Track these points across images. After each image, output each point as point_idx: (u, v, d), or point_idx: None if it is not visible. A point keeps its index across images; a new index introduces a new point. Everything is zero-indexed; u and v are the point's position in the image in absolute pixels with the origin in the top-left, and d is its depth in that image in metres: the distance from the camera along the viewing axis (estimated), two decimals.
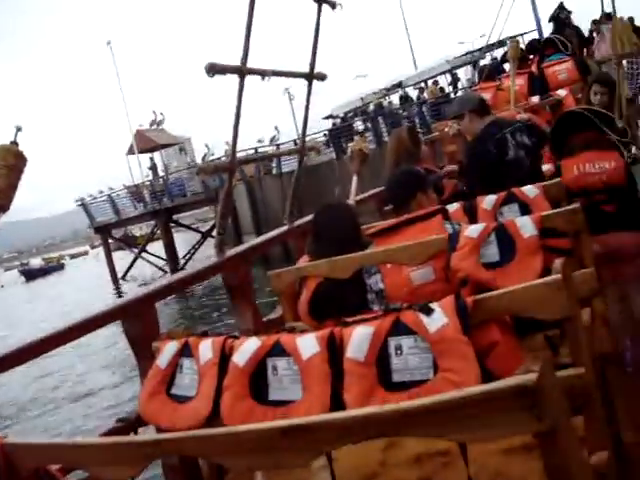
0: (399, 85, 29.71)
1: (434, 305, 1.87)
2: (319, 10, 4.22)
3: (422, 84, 28.18)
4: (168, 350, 2.26)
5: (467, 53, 26.13)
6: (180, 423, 2.11)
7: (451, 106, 5.10)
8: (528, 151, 4.19)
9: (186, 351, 2.23)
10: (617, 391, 2.72)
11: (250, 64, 3.53)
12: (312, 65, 4.23)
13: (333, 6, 4.35)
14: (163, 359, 2.26)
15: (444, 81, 27.19)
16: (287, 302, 3.38)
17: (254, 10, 3.51)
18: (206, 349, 2.16)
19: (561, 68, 7.50)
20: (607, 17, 8.25)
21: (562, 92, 6.78)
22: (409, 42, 38.23)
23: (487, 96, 7.16)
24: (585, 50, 10.03)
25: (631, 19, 10.17)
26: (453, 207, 3.36)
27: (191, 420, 2.09)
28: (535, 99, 6.85)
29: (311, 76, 4.26)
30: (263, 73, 3.78)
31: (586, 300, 2.92)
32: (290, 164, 23.41)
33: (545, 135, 4.56)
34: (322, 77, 4.30)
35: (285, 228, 4.42)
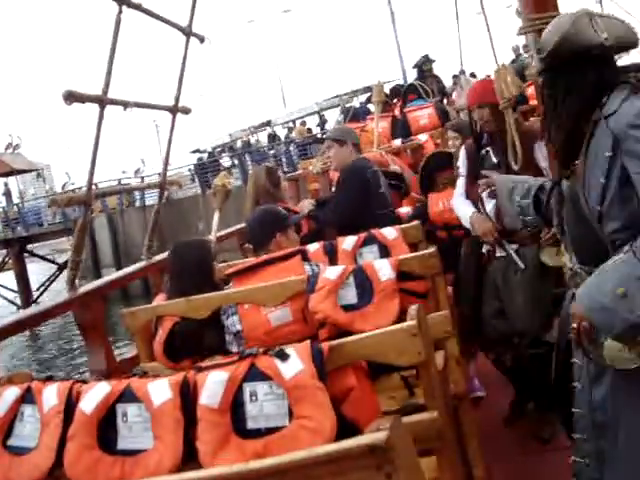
0: (268, 123, 30.05)
1: (290, 350, 1.83)
2: (187, 43, 4.17)
3: (291, 124, 28.61)
4: (7, 396, 2.08)
5: (336, 96, 26.85)
6: (17, 479, 1.93)
7: (337, 130, 5.17)
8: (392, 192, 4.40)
9: (28, 397, 2.06)
10: (469, 431, 2.79)
11: (118, 93, 3.43)
12: (177, 98, 4.15)
13: (202, 40, 4.31)
14: (1, 406, 2.06)
15: (313, 122, 27.75)
16: (142, 342, 3.25)
17: (118, 39, 3.42)
18: (51, 395, 2.00)
19: (422, 114, 7.81)
20: (463, 73, 8.79)
21: (423, 137, 7.04)
22: (281, 86, 38.74)
23: None
24: (445, 99, 10.56)
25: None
26: (313, 247, 3.36)
27: (30, 475, 1.91)
28: (397, 142, 7.07)
29: (175, 109, 4.18)
30: (125, 104, 3.66)
31: (441, 342, 3.00)
32: (154, 197, 22.85)
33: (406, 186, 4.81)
34: (186, 111, 4.22)
35: (143, 264, 4.26)
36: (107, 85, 3.37)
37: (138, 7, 3.65)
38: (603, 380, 2.07)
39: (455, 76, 12.49)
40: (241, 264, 3.25)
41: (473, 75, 12.91)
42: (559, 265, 2.84)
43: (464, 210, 3.82)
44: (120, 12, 3.48)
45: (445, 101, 10.17)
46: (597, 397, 2.10)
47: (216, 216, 4.75)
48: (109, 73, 3.37)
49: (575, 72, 2.00)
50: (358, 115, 8.59)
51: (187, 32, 4.07)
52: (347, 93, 25.30)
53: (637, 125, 1.83)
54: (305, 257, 3.13)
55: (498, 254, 3.67)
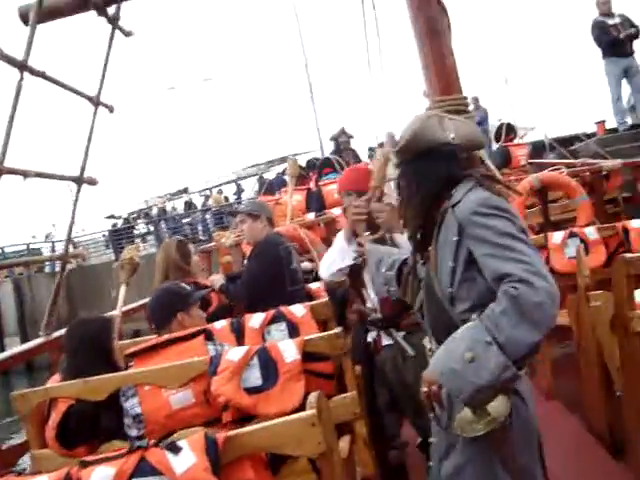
0: (185, 191, 29.87)
1: (182, 442, 1.74)
2: (95, 113, 4.09)
3: (208, 192, 28.54)
4: None
5: (253, 166, 27.08)
6: None
7: (251, 204, 5.11)
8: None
9: None
10: None
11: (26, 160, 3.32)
12: (83, 168, 4.04)
13: (111, 110, 4.25)
14: None
15: (230, 191, 27.80)
16: (33, 427, 3.02)
17: (17, 107, 3.32)
18: None
19: (336, 187, 7.89)
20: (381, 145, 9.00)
21: (336, 210, 7.07)
22: (199, 154, 38.72)
23: None
24: None
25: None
26: (220, 325, 3.27)
27: None
28: (311, 216, 7.11)
29: (81, 180, 4.05)
30: (25, 173, 3.53)
31: (348, 424, 2.94)
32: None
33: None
34: (92, 182, 4.11)
35: (41, 340, 4.03)
36: (4, 154, 3.24)
37: (42, 75, 3.58)
38: (451, 455, 2.15)
39: (370, 149, 12.81)
40: (143, 343, 3.12)
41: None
42: None
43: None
44: (21, 79, 3.39)
45: None
46: (444, 472, 2.18)
47: (122, 290, 4.59)
48: (6, 143, 3.25)
49: (426, 165, 2.20)
50: (273, 187, 8.64)
51: (95, 102, 4.00)
52: (264, 163, 25.59)
53: (478, 212, 2.01)
54: (209, 336, 3.05)
55: (385, 342, 3.60)
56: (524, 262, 1.89)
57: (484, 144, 2.31)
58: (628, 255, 3.34)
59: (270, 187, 8.42)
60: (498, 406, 1.93)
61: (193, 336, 2.99)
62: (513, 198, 6.03)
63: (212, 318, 3.53)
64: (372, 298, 3.59)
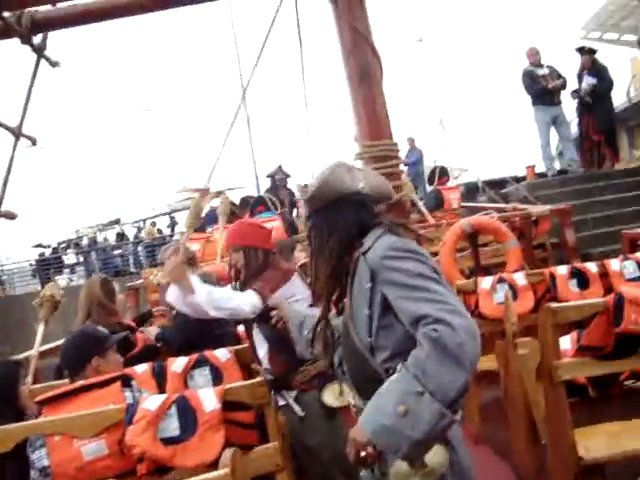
0: (117, 222, 29.25)
1: None
2: (15, 144, 3.94)
3: (141, 223, 28.05)
4: None
5: (188, 199, 26.72)
6: None
7: (163, 251, 4.95)
8: None
9: None
10: None
11: None
12: (0, 200, 3.86)
13: (34, 142, 4.10)
14: None
15: (163, 223, 27.40)
16: None
17: None
18: None
19: (269, 226, 7.82)
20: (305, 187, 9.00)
21: None
22: (133, 184, 38.11)
23: (196, 247, 7.22)
24: (296, 211, 10.76)
25: None
26: (141, 369, 3.12)
27: None
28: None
29: None
30: None
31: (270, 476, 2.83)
32: None
33: None
34: (11, 216, 3.93)
35: None
36: None
37: None
38: None
39: (304, 186, 12.87)
40: (55, 389, 2.95)
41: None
42: (344, 405, 2.85)
43: None
44: None
45: (296, 213, 10.35)
46: None
47: (41, 328, 4.39)
48: None
49: (336, 215, 2.19)
50: (203, 224, 8.49)
51: (17, 133, 3.85)
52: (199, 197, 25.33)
53: (389, 256, 1.98)
54: (127, 382, 2.90)
55: (281, 403, 3.54)
56: (438, 301, 1.86)
57: (393, 196, 2.31)
58: (553, 305, 3.37)
59: (200, 224, 8.26)
60: (435, 456, 1.88)
61: (109, 382, 2.83)
62: (444, 242, 6.14)
63: (137, 360, 3.39)
64: (261, 358, 3.52)
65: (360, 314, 2.08)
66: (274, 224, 7.86)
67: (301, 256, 5.33)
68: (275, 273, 3.66)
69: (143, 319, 5.03)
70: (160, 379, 3.11)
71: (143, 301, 6.63)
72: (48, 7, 3.65)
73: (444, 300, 1.88)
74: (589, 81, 10.83)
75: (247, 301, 3.47)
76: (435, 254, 5.91)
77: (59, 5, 3.67)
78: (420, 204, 8.28)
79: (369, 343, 2.06)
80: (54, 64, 4.10)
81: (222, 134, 4.00)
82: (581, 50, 11.27)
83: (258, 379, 2.77)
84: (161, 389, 2.97)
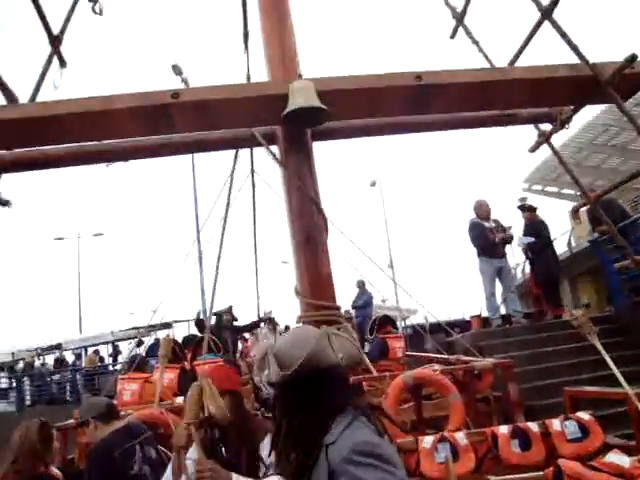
0: (58, 347, 28.28)
1: None
2: None
3: (82, 350, 27.19)
4: None
5: (133, 328, 26.16)
6: None
7: (81, 408, 4.67)
8: (153, 466, 3.96)
9: None
10: None
11: None
12: None
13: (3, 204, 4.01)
14: None
15: (106, 351, 26.64)
16: None
17: None
18: None
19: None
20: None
21: None
22: (78, 310, 37.26)
23: (134, 387, 6.96)
24: (240, 350, 10.62)
25: None
26: None
27: None
28: (181, 399, 6.73)
29: None
30: None
31: None
32: None
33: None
34: None
35: None
36: None
37: None
38: None
39: (270, 312, 12.81)
40: None
41: (287, 328, 13.31)
42: None
43: None
44: None
45: (239, 354, 10.19)
46: None
47: None
48: None
49: (311, 393, 2.01)
50: (144, 363, 8.24)
51: None
52: (145, 327, 24.87)
53: (352, 461, 1.80)
54: None
55: None
56: None
57: (363, 360, 2.22)
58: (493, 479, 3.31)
59: (141, 363, 8.00)
60: None
61: None
62: (387, 394, 6.06)
63: None
64: None
65: None
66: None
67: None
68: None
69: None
70: None
71: (71, 442, 6.27)
72: (3, 151, 3.69)
73: None
74: (524, 240, 11.43)
75: None
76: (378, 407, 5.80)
77: (16, 150, 3.70)
78: (363, 355, 8.22)
79: None
80: (4, 203, 4.09)
81: (174, 264, 3.96)
82: (522, 208, 11.86)
83: None
84: None
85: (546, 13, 3.66)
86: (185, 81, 22.67)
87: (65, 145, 3.85)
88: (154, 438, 4.21)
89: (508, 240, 11.17)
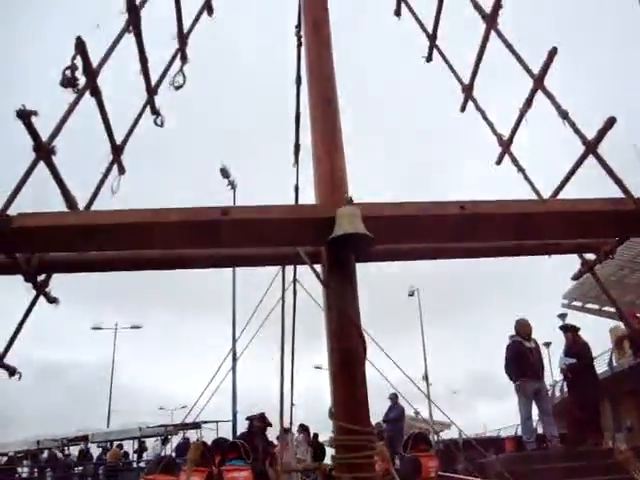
0: (84, 438, 27.95)
1: None
2: None
3: (108, 444, 26.83)
4: None
5: (161, 425, 25.91)
6: None
7: None
8: None
9: None
10: None
11: None
12: None
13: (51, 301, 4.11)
14: None
15: (130, 447, 26.34)
16: None
17: None
18: None
19: (238, 475, 7.57)
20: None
21: None
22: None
23: None
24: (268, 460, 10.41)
25: None
26: None
27: None
28: None
29: None
30: None
31: None
32: None
33: None
34: None
35: None
36: None
37: None
38: None
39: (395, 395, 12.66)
40: None
41: (316, 436, 13.14)
42: None
43: None
44: None
45: (268, 462, 9.99)
46: None
47: None
48: None
49: None
50: (174, 465, 8.12)
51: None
52: (174, 425, 24.65)
53: None
54: None
55: None
56: None
57: None
58: None
59: (171, 464, 7.87)
60: None
61: None
62: None
63: None
64: None
65: None
66: (244, 474, 7.57)
67: None
68: None
69: None
70: None
71: None
72: (56, 253, 3.84)
73: None
74: (565, 361, 11.17)
75: None
76: None
77: (69, 253, 3.87)
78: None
79: None
80: (52, 301, 4.22)
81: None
82: (564, 328, 11.68)
83: None
84: None
85: (590, 147, 3.77)
86: (232, 184, 23.45)
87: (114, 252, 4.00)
88: None
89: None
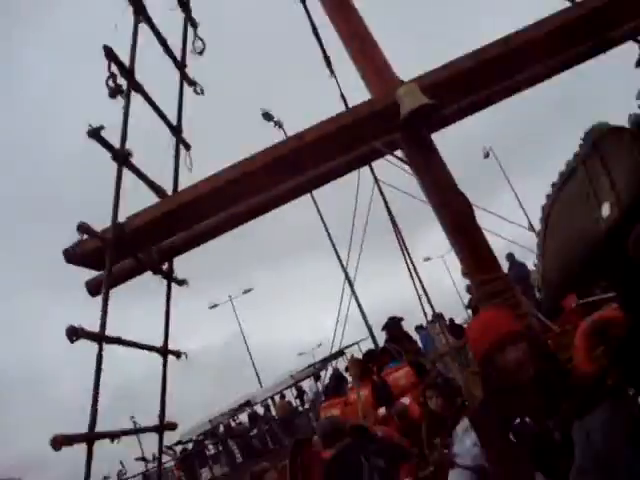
0: (247, 404, 29.51)
1: None
2: (165, 362, 4.31)
3: (269, 401, 28.22)
4: None
5: (309, 366, 26.86)
6: None
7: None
8: (382, 475, 4.28)
9: None
10: None
11: None
12: (161, 417, 4.19)
13: (178, 356, 4.47)
14: None
15: (290, 395, 27.54)
16: None
17: (101, 369, 3.55)
18: None
19: (399, 375, 7.91)
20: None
21: (406, 400, 7.00)
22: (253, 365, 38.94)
23: (336, 412, 7.34)
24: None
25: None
26: None
27: None
28: (382, 410, 7.02)
29: (161, 428, 4.19)
30: (112, 435, 3.69)
31: None
32: None
33: (402, 451, 4.70)
34: (172, 427, 4.23)
35: None
36: (94, 421, 3.41)
37: (117, 341, 3.82)
38: None
39: (419, 327, 12.87)
40: None
41: (452, 321, 13.21)
42: None
43: None
44: (101, 350, 3.62)
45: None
46: None
47: None
48: (94, 410, 3.44)
49: None
50: (338, 388, 8.62)
51: (163, 351, 4.23)
52: (319, 362, 25.58)
53: None
54: None
55: None
56: None
57: None
58: None
59: (334, 388, 8.39)
60: None
61: None
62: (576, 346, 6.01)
63: None
64: None
65: None
66: (403, 372, 7.93)
67: None
68: None
69: None
70: None
71: None
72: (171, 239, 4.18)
73: None
74: None
75: None
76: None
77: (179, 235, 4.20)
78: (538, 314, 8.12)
79: None
80: (181, 283, 4.58)
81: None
82: None
83: None
84: None
85: None
86: (278, 123, 23.50)
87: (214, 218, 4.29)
88: (379, 450, 4.49)
89: None
